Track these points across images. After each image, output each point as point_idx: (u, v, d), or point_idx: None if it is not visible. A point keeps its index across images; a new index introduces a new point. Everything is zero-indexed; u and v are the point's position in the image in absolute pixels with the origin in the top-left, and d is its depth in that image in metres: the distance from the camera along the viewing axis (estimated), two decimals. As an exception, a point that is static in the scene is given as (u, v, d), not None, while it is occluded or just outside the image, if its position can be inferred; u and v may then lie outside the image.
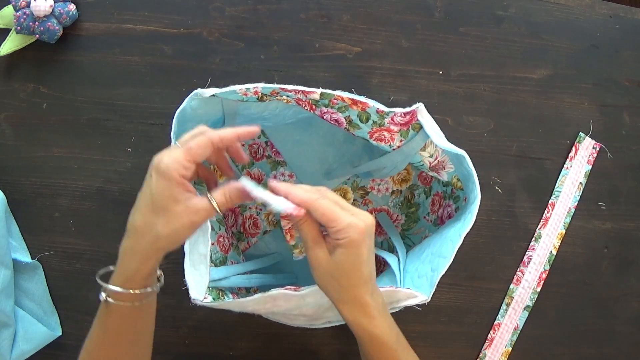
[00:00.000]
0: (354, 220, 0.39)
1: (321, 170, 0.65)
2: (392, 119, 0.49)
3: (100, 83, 0.65)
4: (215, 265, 0.53)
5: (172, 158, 0.38)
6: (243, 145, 0.63)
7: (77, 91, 0.65)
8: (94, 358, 0.44)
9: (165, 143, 0.47)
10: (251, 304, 0.46)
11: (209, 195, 0.40)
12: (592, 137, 0.70)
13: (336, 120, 0.52)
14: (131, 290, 0.41)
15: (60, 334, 0.62)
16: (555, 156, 0.70)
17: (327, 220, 0.39)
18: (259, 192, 0.40)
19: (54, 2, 0.62)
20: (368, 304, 0.42)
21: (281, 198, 0.40)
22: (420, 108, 0.48)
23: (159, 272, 0.45)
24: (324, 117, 0.52)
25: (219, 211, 0.40)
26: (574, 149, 0.70)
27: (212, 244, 0.53)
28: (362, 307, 0.42)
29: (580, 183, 0.69)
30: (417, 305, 0.48)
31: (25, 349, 0.59)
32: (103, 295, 0.42)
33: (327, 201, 0.39)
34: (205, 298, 0.45)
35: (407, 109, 0.48)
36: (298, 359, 0.65)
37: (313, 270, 0.42)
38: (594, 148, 0.70)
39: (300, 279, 0.63)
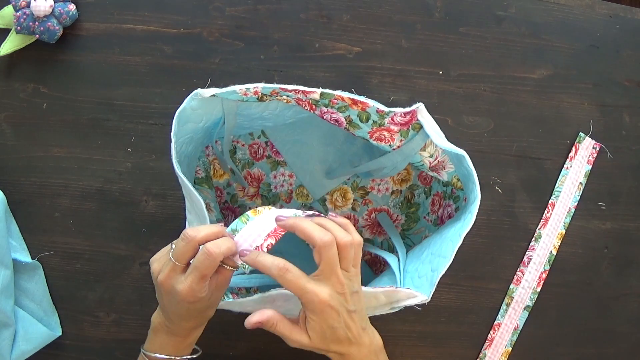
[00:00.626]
0: (316, 289, 0.39)
1: (321, 170, 0.65)
2: (392, 119, 0.49)
3: (100, 83, 0.65)
4: (215, 265, 0.53)
5: (186, 284, 0.40)
6: (243, 145, 0.63)
7: (77, 91, 0.65)
8: None
9: (165, 143, 0.47)
10: (251, 304, 0.46)
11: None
12: (592, 137, 0.70)
13: (336, 120, 0.52)
14: (165, 356, 0.45)
15: (60, 334, 0.62)
16: (555, 156, 0.70)
17: (294, 290, 0.39)
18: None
19: (54, 2, 0.62)
20: (354, 355, 0.42)
21: (255, 312, 0.41)
22: (420, 108, 0.48)
23: (196, 347, 0.49)
24: (324, 117, 0.52)
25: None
26: (574, 149, 0.70)
27: None
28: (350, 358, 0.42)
29: (580, 183, 0.69)
30: (417, 305, 0.48)
31: (25, 349, 0.59)
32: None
33: (291, 274, 0.39)
34: None
35: (407, 109, 0.48)
36: (298, 358, 0.65)
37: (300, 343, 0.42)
38: (594, 148, 0.70)
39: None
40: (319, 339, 0.40)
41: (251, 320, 0.40)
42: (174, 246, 0.40)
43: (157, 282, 0.41)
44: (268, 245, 0.41)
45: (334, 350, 0.42)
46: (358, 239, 0.41)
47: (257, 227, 0.42)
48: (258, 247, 0.41)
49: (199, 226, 0.41)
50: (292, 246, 0.60)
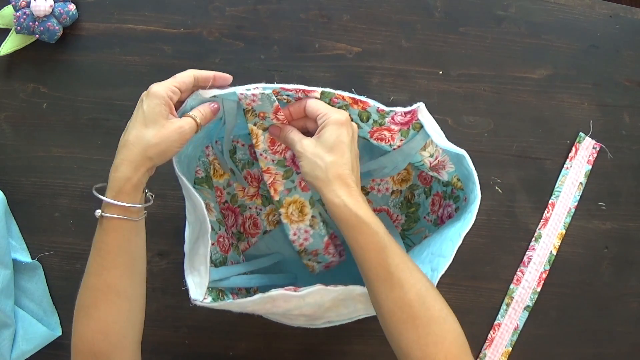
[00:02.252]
0: (336, 111, 0.47)
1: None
2: (392, 119, 0.49)
3: (100, 83, 0.65)
4: (215, 266, 0.53)
5: (161, 84, 0.45)
6: (243, 145, 0.63)
7: (77, 91, 0.65)
8: (93, 286, 0.45)
9: (165, 143, 0.47)
10: (251, 304, 0.46)
11: (190, 113, 0.46)
12: (592, 137, 0.70)
13: None
14: (123, 203, 0.44)
15: (60, 334, 0.62)
16: (555, 156, 0.70)
17: (315, 111, 0.47)
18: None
19: (54, 2, 0.62)
20: (352, 186, 0.45)
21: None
22: (420, 107, 0.48)
23: (148, 193, 0.48)
24: None
25: (199, 124, 0.46)
26: (574, 149, 0.70)
27: (212, 244, 0.53)
28: (347, 186, 0.44)
29: (580, 183, 0.69)
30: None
31: (25, 349, 0.59)
32: (98, 211, 0.44)
33: (314, 100, 0.48)
34: (205, 299, 0.45)
35: (408, 109, 0.48)
36: (298, 359, 0.65)
37: (300, 161, 0.47)
38: (594, 148, 0.70)
39: (300, 279, 0.63)
40: (323, 145, 0.46)
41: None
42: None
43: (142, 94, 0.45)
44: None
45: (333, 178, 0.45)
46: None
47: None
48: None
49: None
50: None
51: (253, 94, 0.48)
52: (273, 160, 0.55)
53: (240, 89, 0.48)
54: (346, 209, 0.43)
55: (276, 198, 0.55)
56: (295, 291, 0.45)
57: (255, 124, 0.52)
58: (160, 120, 0.44)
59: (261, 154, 0.54)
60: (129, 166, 0.43)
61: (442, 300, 0.44)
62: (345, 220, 0.44)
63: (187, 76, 0.47)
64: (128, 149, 0.44)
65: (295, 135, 0.49)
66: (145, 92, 0.45)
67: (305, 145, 0.47)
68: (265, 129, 0.53)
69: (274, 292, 0.45)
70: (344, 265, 0.62)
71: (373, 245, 0.43)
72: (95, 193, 0.45)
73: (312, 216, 0.58)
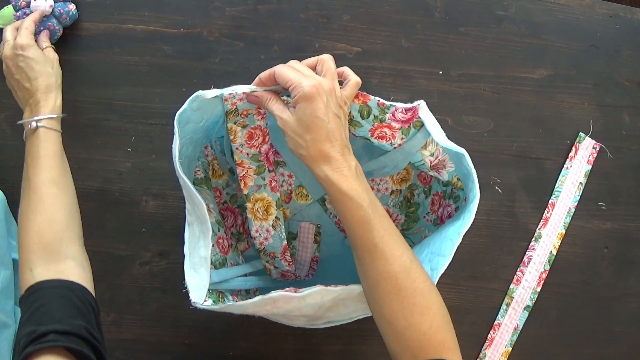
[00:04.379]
0: (306, 79, 0.44)
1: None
2: (393, 115, 0.49)
3: (100, 83, 0.65)
4: (215, 267, 0.53)
5: (26, 35, 0.57)
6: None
7: (77, 91, 0.65)
8: (35, 185, 0.51)
9: (165, 143, 0.47)
10: (252, 306, 0.46)
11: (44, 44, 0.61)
12: (592, 137, 0.70)
13: None
14: (61, 115, 0.56)
15: (60, 334, 0.62)
16: (555, 156, 0.70)
17: (285, 81, 0.44)
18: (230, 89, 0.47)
19: (54, 2, 0.62)
20: (336, 159, 0.44)
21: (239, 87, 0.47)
22: (421, 105, 0.48)
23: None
24: None
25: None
26: (574, 149, 0.70)
27: (212, 246, 0.53)
28: (329, 162, 0.44)
29: (580, 183, 0.69)
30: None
31: (25, 349, 0.59)
32: (34, 123, 0.53)
33: (284, 67, 0.45)
34: (205, 301, 0.45)
35: (409, 105, 0.48)
36: (298, 359, 0.65)
37: (286, 136, 0.46)
38: (594, 148, 0.70)
39: (299, 280, 0.63)
40: (299, 124, 0.44)
41: (242, 89, 0.47)
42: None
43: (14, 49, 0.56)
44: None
45: (316, 149, 0.44)
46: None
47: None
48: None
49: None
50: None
51: (244, 92, 0.47)
52: (248, 154, 0.55)
53: (227, 92, 0.48)
54: (330, 183, 0.44)
55: (245, 192, 0.56)
56: (295, 292, 0.45)
57: (235, 122, 0.53)
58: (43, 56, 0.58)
59: (237, 148, 0.54)
60: (59, 92, 0.57)
61: (425, 273, 0.45)
62: (331, 194, 0.45)
63: (31, 24, 0.59)
64: (53, 79, 0.57)
65: (275, 106, 0.47)
66: (16, 47, 0.56)
67: (285, 120, 0.45)
68: (244, 126, 0.53)
69: (274, 294, 0.45)
70: (344, 265, 0.62)
71: (357, 218, 0.44)
72: (39, 118, 0.54)
73: (276, 217, 0.58)
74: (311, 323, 0.53)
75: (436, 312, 0.44)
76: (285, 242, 0.59)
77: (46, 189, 0.51)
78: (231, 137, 0.53)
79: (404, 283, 0.43)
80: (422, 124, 0.50)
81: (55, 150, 0.53)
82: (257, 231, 0.58)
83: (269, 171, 0.56)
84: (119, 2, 0.65)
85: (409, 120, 0.50)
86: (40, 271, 0.47)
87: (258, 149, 0.55)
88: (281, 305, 0.46)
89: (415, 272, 0.44)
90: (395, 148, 0.53)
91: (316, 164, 0.45)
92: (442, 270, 0.47)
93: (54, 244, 0.49)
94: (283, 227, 0.59)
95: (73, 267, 0.48)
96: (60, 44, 0.64)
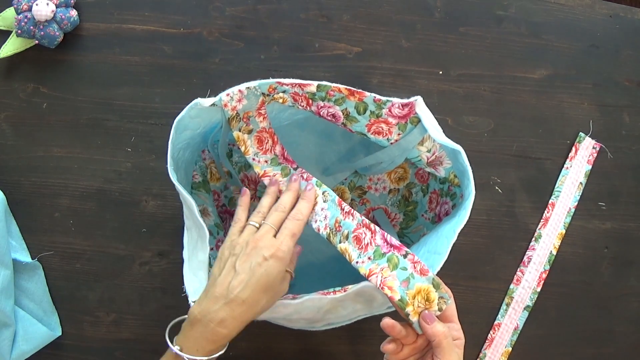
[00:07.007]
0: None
1: (318, 171, 0.65)
2: (389, 110, 0.49)
3: (100, 83, 0.65)
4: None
5: (288, 247, 0.45)
6: (239, 148, 0.63)
7: (77, 91, 0.65)
8: None
9: (165, 143, 0.47)
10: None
11: (288, 269, 0.47)
12: (592, 137, 0.70)
13: (333, 115, 0.52)
14: (214, 356, 0.43)
15: (60, 334, 0.62)
16: (555, 156, 0.70)
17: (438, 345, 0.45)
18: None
19: (56, 8, 0.62)
20: None
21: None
22: (418, 101, 0.48)
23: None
24: (321, 113, 0.52)
25: (292, 277, 0.47)
26: (574, 149, 0.70)
27: (211, 249, 0.53)
28: None
29: (580, 183, 0.69)
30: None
31: (25, 349, 0.59)
32: (177, 349, 0.43)
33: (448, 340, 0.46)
34: None
35: (405, 100, 0.48)
36: (298, 359, 0.65)
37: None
38: (594, 148, 0.70)
39: (298, 280, 0.62)
40: None
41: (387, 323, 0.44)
42: (256, 223, 0.47)
43: (248, 242, 0.45)
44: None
45: None
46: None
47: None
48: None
49: (283, 197, 0.50)
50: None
51: (240, 90, 0.47)
52: (267, 162, 0.53)
53: (225, 94, 0.48)
54: None
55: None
56: (293, 299, 0.46)
57: (240, 129, 0.51)
58: (277, 285, 0.44)
59: (253, 159, 0.53)
60: (238, 326, 0.43)
61: None
62: None
63: (300, 228, 0.47)
64: (243, 310, 0.42)
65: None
66: (271, 251, 0.44)
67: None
68: (250, 132, 0.52)
69: (307, 297, 0.45)
70: (343, 265, 0.62)
71: None
72: (185, 355, 0.43)
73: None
74: (311, 325, 0.53)
75: None
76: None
77: None
78: (242, 150, 0.52)
79: None
80: (419, 120, 0.50)
81: None
82: (315, 222, 0.53)
83: (294, 169, 0.55)
84: (119, 2, 0.65)
85: (406, 116, 0.50)
86: None
87: (273, 152, 0.54)
88: (279, 309, 0.46)
89: None
90: (392, 144, 0.53)
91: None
92: (438, 268, 0.47)
93: None
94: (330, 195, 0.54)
95: None
96: (60, 44, 0.64)
